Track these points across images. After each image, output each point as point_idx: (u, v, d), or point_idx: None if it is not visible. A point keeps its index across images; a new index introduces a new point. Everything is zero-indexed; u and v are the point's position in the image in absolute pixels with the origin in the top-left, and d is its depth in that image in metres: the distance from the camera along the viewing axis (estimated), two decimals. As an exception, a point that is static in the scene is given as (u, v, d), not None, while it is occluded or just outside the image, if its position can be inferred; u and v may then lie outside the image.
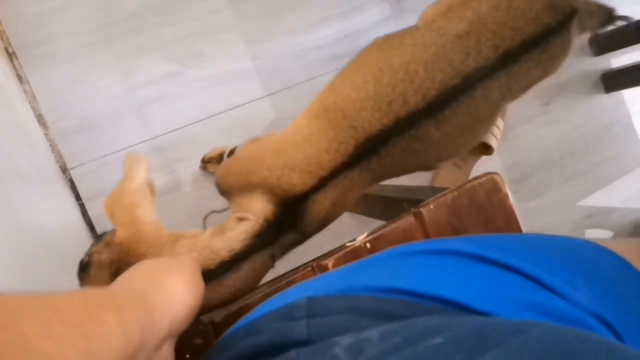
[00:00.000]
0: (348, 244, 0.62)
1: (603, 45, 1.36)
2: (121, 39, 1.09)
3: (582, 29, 0.74)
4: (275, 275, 0.63)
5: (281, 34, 1.19)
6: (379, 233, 0.63)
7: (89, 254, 0.56)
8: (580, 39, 1.35)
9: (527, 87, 0.69)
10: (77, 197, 1.05)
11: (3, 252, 0.66)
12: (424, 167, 0.72)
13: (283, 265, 0.67)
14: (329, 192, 0.61)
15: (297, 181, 0.59)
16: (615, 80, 1.36)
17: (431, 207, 0.64)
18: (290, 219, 0.61)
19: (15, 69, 1.01)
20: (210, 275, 0.58)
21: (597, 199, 1.41)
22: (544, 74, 0.69)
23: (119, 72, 1.09)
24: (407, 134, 0.60)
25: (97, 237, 0.59)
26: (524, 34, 0.62)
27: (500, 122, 1.27)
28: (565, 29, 0.65)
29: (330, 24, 1.22)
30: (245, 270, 0.61)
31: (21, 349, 0.24)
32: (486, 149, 1.27)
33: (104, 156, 1.07)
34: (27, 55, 1.04)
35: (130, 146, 1.09)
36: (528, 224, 1.25)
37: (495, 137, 1.26)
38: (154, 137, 1.10)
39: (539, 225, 1.37)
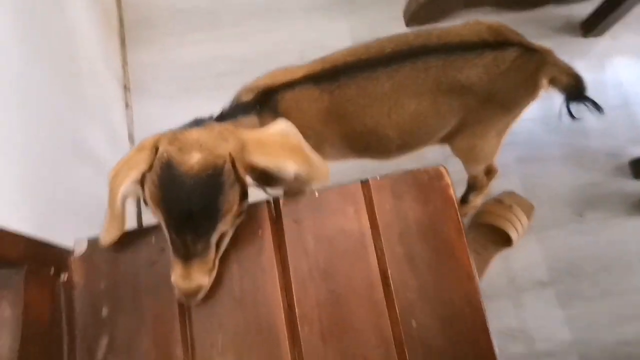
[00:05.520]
0: (305, 192, 0.74)
1: (644, 168, 1.39)
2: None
3: (552, 82, 0.90)
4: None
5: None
6: (327, 189, 0.75)
7: None
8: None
9: (464, 86, 0.85)
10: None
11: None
12: (381, 131, 0.89)
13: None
14: (295, 93, 0.82)
15: (279, 75, 0.84)
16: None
17: (377, 178, 0.76)
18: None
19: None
20: None
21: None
22: (483, 86, 0.85)
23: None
24: (362, 74, 0.82)
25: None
26: (464, 37, 0.84)
27: (524, 218, 1.32)
28: (501, 48, 0.83)
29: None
30: None
31: None
32: (507, 241, 1.31)
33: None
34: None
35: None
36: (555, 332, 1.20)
37: (517, 229, 1.30)
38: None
39: (564, 338, 1.29)
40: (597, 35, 1.58)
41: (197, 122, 0.66)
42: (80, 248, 0.66)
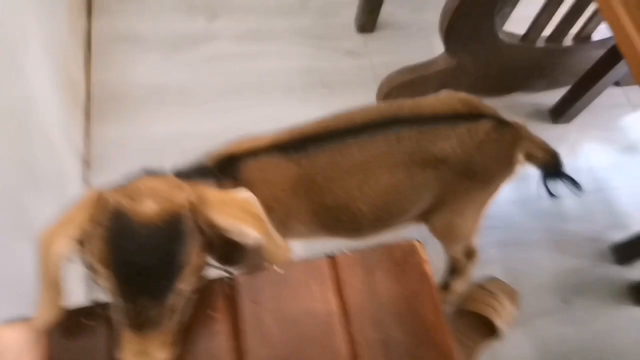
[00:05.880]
0: (265, 268, 0.66)
1: (627, 254, 1.34)
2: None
3: (528, 158, 0.87)
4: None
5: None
6: (292, 264, 0.67)
7: None
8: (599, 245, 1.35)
9: (439, 159, 0.81)
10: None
11: None
12: (353, 205, 0.83)
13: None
14: (259, 162, 0.77)
15: (244, 143, 0.79)
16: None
17: (345, 252, 0.68)
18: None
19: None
20: None
21: None
22: (457, 158, 0.82)
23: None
24: (332, 144, 0.78)
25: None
26: (436, 109, 0.82)
27: (509, 305, 1.23)
28: (474, 120, 0.80)
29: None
30: None
31: None
32: (492, 331, 1.21)
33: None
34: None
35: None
36: None
37: (502, 317, 1.21)
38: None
39: None
40: (566, 121, 1.61)
41: (147, 172, 0.58)
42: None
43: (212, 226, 0.54)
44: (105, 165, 1.33)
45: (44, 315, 0.52)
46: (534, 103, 1.64)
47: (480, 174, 0.87)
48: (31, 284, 0.84)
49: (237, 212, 0.57)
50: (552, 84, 1.63)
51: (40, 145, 1.04)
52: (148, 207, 0.50)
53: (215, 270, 0.77)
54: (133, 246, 0.49)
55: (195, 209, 0.53)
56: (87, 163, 1.32)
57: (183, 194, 0.53)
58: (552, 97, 1.61)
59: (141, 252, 0.48)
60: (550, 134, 1.58)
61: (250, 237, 0.56)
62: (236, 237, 0.56)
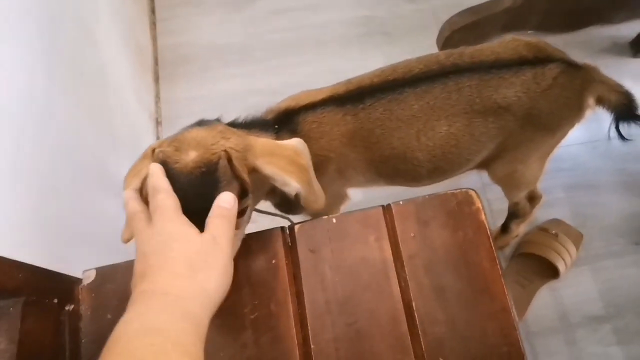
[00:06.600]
0: (322, 218, 0.70)
1: None
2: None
3: (600, 102, 0.83)
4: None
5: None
6: (346, 214, 0.70)
7: None
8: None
9: (501, 107, 0.79)
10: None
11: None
12: (410, 155, 0.83)
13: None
14: (317, 115, 0.78)
15: (302, 97, 0.81)
16: None
17: (400, 203, 0.70)
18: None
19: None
20: None
21: None
22: (522, 106, 0.79)
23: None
24: (389, 95, 0.78)
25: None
26: (500, 55, 0.78)
27: (572, 247, 1.21)
28: (541, 64, 0.76)
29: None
30: None
31: None
32: (553, 272, 1.20)
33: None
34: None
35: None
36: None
37: (564, 260, 1.20)
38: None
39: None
40: (649, 55, 1.49)
41: (201, 123, 0.62)
42: (88, 278, 0.64)
43: (256, 173, 0.58)
44: (175, 124, 1.40)
45: (127, 234, 0.60)
46: (611, 36, 1.52)
47: (546, 121, 0.83)
48: (114, 232, 0.94)
49: (281, 161, 0.60)
50: (632, 15, 1.50)
51: (117, 108, 1.12)
52: (190, 157, 0.55)
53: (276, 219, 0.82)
54: (178, 191, 0.54)
55: (234, 157, 0.56)
56: (158, 122, 1.41)
57: (225, 143, 0.56)
58: (632, 28, 1.48)
59: (183, 198, 0.54)
60: (630, 69, 1.48)
61: (291, 186, 0.60)
62: (278, 185, 0.60)
